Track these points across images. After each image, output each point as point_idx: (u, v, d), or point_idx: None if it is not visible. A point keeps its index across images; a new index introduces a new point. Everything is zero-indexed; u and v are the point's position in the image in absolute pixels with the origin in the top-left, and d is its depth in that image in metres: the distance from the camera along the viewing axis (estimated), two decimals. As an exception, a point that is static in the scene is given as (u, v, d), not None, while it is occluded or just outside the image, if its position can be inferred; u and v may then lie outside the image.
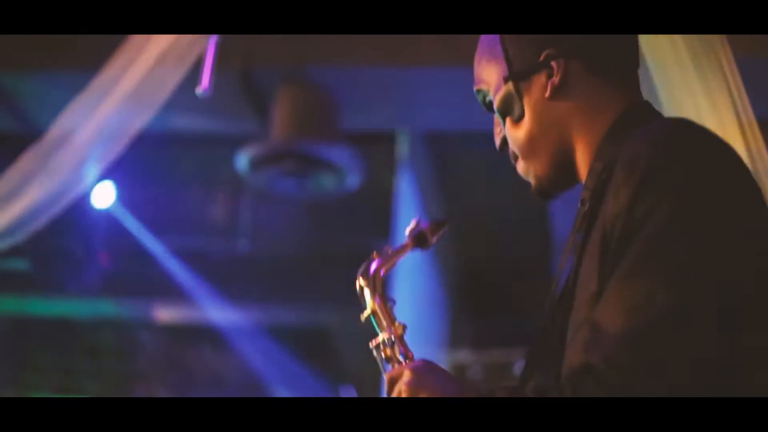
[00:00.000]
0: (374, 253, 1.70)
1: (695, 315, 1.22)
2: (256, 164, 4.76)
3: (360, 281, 1.67)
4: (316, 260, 6.28)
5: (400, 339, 1.60)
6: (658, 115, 1.57)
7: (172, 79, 3.13)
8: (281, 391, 7.64)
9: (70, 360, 7.46)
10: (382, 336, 1.61)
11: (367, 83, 4.60)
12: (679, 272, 1.24)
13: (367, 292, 1.65)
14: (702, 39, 2.42)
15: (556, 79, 1.53)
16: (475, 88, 1.66)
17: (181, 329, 7.27)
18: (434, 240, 1.72)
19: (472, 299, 6.65)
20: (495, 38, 1.60)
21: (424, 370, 1.41)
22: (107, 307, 6.88)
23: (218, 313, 6.77)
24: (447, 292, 6.46)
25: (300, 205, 5.77)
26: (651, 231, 1.27)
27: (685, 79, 2.44)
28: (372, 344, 1.62)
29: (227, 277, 6.44)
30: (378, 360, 1.61)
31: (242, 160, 4.76)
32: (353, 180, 4.91)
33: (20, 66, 4.45)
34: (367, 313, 1.64)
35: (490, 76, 1.61)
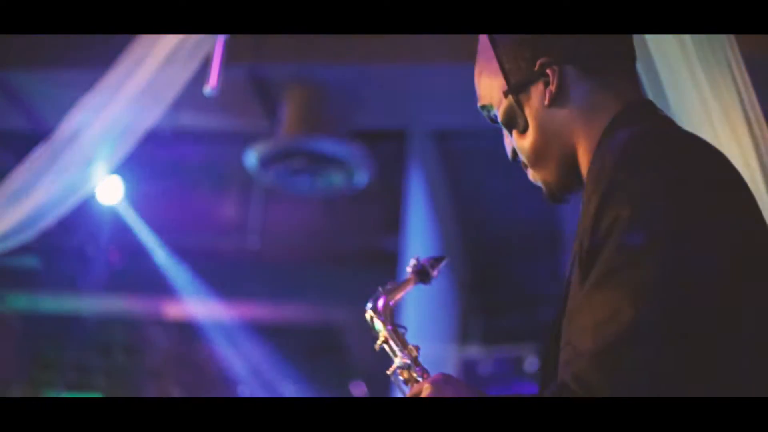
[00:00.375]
0: (380, 288, 1.82)
1: (659, 329, 1.23)
2: (265, 161, 4.77)
3: (370, 313, 1.78)
4: (325, 257, 6.28)
5: (415, 361, 1.69)
6: (654, 113, 1.57)
7: (181, 77, 3.12)
8: (291, 389, 7.65)
9: (81, 357, 7.49)
10: (397, 361, 1.70)
11: (376, 80, 4.59)
12: (643, 285, 1.25)
13: (378, 323, 1.77)
14: (709, 36, 2.40)
15: (552, 86, 1.54)
16: (478, 105, 1.67)
17: (191, 326, 7.29)
18: (435, 274, 1.87)
19: (482, 295, 6.65)
20: (490, 53, 1.62)
21: (441, 382, 1.46)
22: (117, 304, 6.91)
23: (228, 311, 6.77)
24: (457, 288, 6.46)
25: (309, 203, 5.77)
26: (614, 243, 1.29)
27: (693, 76, 2.43)
28: (389, 371, 1.71)
29: (237, 275, 6.45)
30: (397, 384, 1.69)
31: (252, 158, 4.76)
32: (362, 177, 4.91)
33: (30, 64, 4.46)
34: (380, 341, 1.75)
35: (491, 91, 1.63)
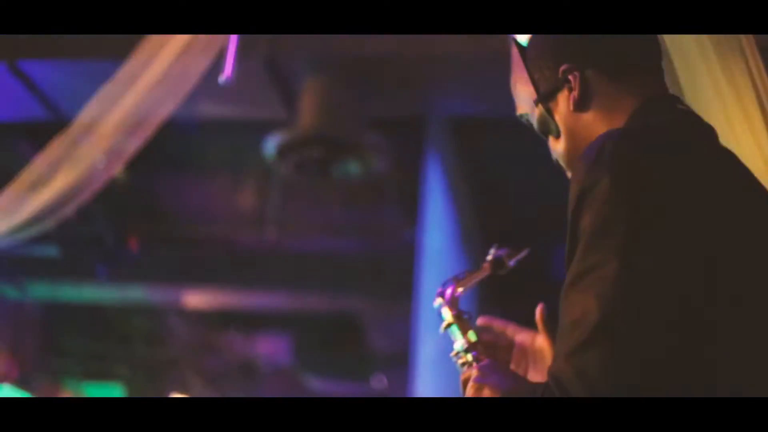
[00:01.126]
0: (453, 276, 1.89)
1: (624, 330, 1.29)
2: (283, 151, 4.77)
3: (438, 300, 1.86)
4: (343, 247, 6.29)
5: (474, 346, 1.79)
6: (669, 108, 1.59)
7: (198, 67, 3.13)
8: (310, 378, 7.67)
9: (102, 346, 7.54)
10: (458, 344, 1.79)
11: (393, 68, 4.58)
12: (609, 287, 1.31)
13: (445, 309, 1.84)
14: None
15: (575, 91, 1.59)
16: (517, 114, 1.72)
17: (211, 315, 7.31)
18: (511, 264, 1.95)
19: (500, 285, 6.64)
20: (521, 63, 1.67)
21: (488, 369, 1.53)
22: (138, 293, 6.94)
23: (247, 300, 6.80)
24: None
25: (327, 192, 5.77)
26: (585, 245, 1.35)
27: (709, 70, 2.42)
28: (452, 354, 1.79)
29: (256, 264, 6.47)
30: (458, 366, 1.78)
31: (269, 147, 4.76)
32: (380, 166, 4.91)
33: (48, 54, 4.48)
34: (444, 325, 1.83)
35: (525, 100, 1.68)
